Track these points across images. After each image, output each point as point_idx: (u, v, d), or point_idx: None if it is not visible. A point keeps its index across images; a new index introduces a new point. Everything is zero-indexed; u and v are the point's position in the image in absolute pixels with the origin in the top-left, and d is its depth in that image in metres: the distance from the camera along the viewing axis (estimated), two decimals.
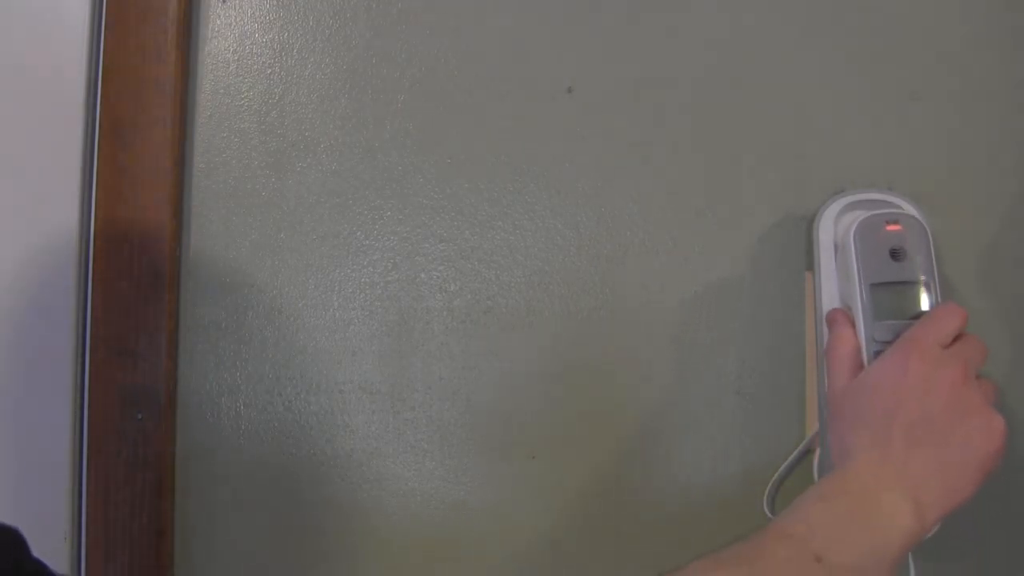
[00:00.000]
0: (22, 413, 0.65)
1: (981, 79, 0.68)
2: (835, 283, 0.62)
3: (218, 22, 0.67)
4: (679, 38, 0.67)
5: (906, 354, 0.53)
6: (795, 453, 0.65)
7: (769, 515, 0.65)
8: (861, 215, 0.60)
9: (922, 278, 0.58)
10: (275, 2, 0.67)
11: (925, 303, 0.58)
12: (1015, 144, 0.68)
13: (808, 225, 0.66)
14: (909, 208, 0.62)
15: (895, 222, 0.58)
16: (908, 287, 0.58)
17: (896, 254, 0.58)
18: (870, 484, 0.51)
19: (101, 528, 0.64)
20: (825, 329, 0.62)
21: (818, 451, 0.64)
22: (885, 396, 0.53)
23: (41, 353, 0.64)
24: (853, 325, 0.58)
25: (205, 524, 0.66)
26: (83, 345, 0.65)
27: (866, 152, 0.67)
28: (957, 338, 0.54)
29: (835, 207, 0.63)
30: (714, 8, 0.67)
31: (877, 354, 0.56)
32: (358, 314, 0.66)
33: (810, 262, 0.64)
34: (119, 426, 0.64)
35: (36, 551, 0.63)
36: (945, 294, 0.60)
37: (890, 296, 0.58)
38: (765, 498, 0.65)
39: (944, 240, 0.66)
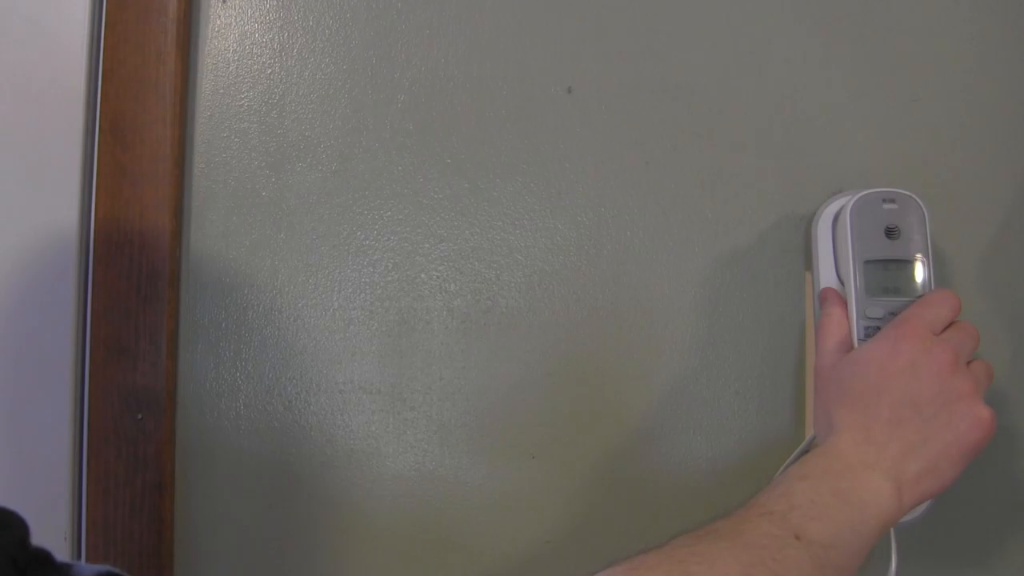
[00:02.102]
0: (22, 413, 0.65)
1: (981, 81, 0.68)
2: (832, 275, 0.62)
3: (218, 22, 0.67)
4: (679, 39, 0.67)
5: (897, 336, 0.54)
6: (795, 453, 0.65)
7: None
8: (859, 193, 0.60)
9: (917, 256, 0.58)
10: (275, 2, 0.67)
11: (919, 281, 0.58)
12: (1015, 146, 0.68)
13: (807, 225, 0.66)
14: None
15: (892, 200, 0.59)
16: (902, 265, 0.59)
17: (891, 232, 0.59)
18: (852, 462, 0.51)
19: (101, 528, 0.64)
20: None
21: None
22: (873, 375, 0.53)
23: (41, 353, 0.64)
24: (844, 304, 0.59)
25: (205, 524, 0.66)
26: (83, 345, 0.65)
27: (866, 153, 0.67)
28: (950, 325, 0.55)
29: (834, 207, 0.63)
30: (714, 9, 0.67)
31: (868, 330, 0.58)
32: (358, 314, 0.66)
33: (809, 262, 0.64)
34: (119, 426, 0.64)
35: None
36: (939, 274, 0.61)
37: (884, 273, 0.59)
38: None
39: (944, 241, 0.66)
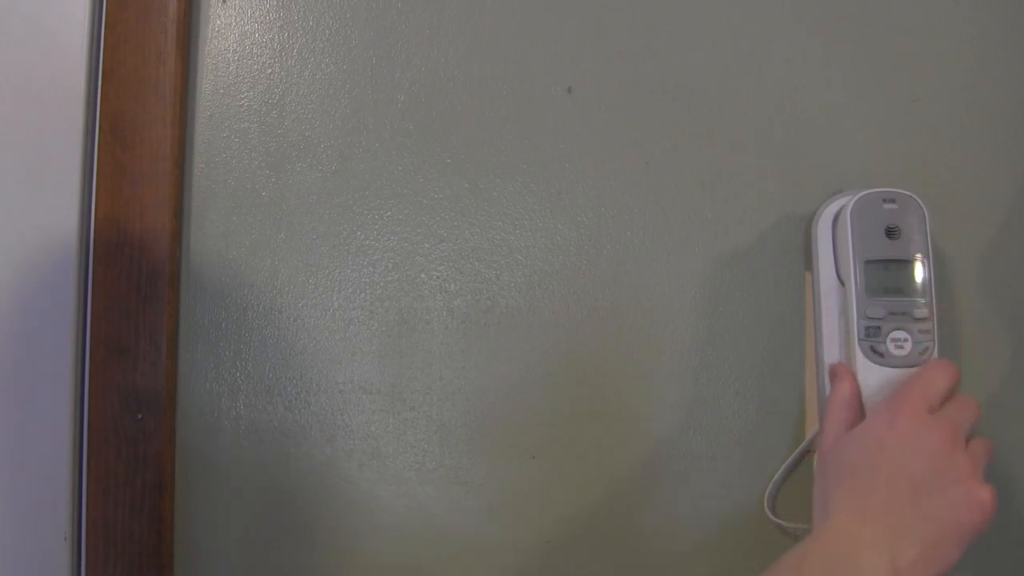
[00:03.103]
0: (22, 413, 0.65)
1: (981, 81, 0.68)
2: (832, 275, 0.62)
3: (218, 22, 0.67)
4: (679, 39, 0.67)
5: (894, 413, 0.52)
6: (795, 453, 0.66)
7: (770, 516, 0.65)
8: (859, 193, 0.60)
9: (917, 256, 0.58)
10: (275, 2, 0.67)
11: (919, 281, 0.58)
12: (1015, 146, 0.68)
13: (807, 225, 0.66)
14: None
15: (892, 200, 0.59)
16: (902, 265, 0.59)
17: (891, 232, 0.59)
18: (848, 547, 0.50)
19: (101, 528, 0.64)
20: (823, 337, 0.62)
21: (818, 451, 0.64)
22: (869, 454, 0.52)
23: (41, 353, 0.64)
24: (855, 381, 0.57)
25: (205, 524, 0.66)
26: (83, 345, 0.65)
27: (866, 153, 0.67)
28: (950, 397, 0.54)
29: (834, 207, 0.63)
30: (714, 9, 0.67)
31: (868, 330, 0.57)
32: (358, 314, 0.66)
33: (809, 262, 0.64)
34: (119, 426, 0.64)
35: (36, 551, 0.63)
36: (939, 274, 0.60)
37: (884, 273, 0.59)
38: (765, 498, 0.65)
39: (944, 241, 0.66)
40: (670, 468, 0.67)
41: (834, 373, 0.59)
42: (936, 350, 0.58)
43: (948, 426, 0.51)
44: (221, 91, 0.67)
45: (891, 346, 0.57)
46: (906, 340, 0.58)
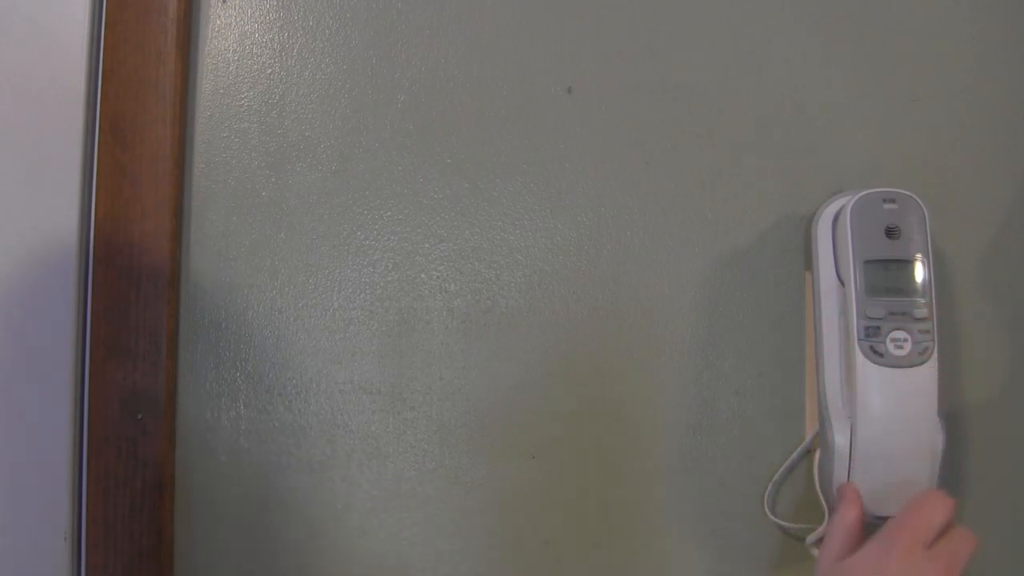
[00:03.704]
0: (22, 413, 0.65)
1: (981, 81, 0.68)
2: (832, 275, 0.62)
3: (218, 22, 0.67)
4: (679, 39, 0.67)
5: (888, 550, 0.51)
6: (795, 453, 0.66)
7: (770, 516, 0.65)
8: (859, 193, 0.60)
9: (917, 256, 0.58)
10: (275, 2, 0.67)
11: (919, 281, 0.58)
12: (1015, 146, 0.68)
13: (807, 225, 0.66)
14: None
15: (892, 200, 0.59)
16: (902, 265, 0.59)
17: (891, 232, 0.59)
18: None
19: (101, 528, 0.64)
20: (823, 337, 0.62)
21: (818, 452, 0.64)
22: None
23: (41, 353, 0.64)
24: (860, 507, 0.56)
25: (205, 524, 0.66)
26: (83, 345, 0.65)
27: (866, 153, 0.67)
28: (946, 530, 0.52)
29: (834, 207, 0.63)
30: (714, 9, 0.67)
31: (868, 330, 0.57)
32: (358, 314, 0.66)
33: (809, 262, 0.65)
34: (119, 426, 0.64)
35: (36, 551, 0.63)
36: (939, 274, 0.60)
37: (884, 273, 0.59)
38: (765, 499, 0.65)
39: (944, 241, 0.66)
40: (670, 468, 0.66)
41: (842, 495, 0.57)
42: (936, 350, 0.58)
43: (942, 565, 0.50)
44: (221, 91, 0.67)
45: (891, 346, 0.57)
46: (906, 340, 0.58)
